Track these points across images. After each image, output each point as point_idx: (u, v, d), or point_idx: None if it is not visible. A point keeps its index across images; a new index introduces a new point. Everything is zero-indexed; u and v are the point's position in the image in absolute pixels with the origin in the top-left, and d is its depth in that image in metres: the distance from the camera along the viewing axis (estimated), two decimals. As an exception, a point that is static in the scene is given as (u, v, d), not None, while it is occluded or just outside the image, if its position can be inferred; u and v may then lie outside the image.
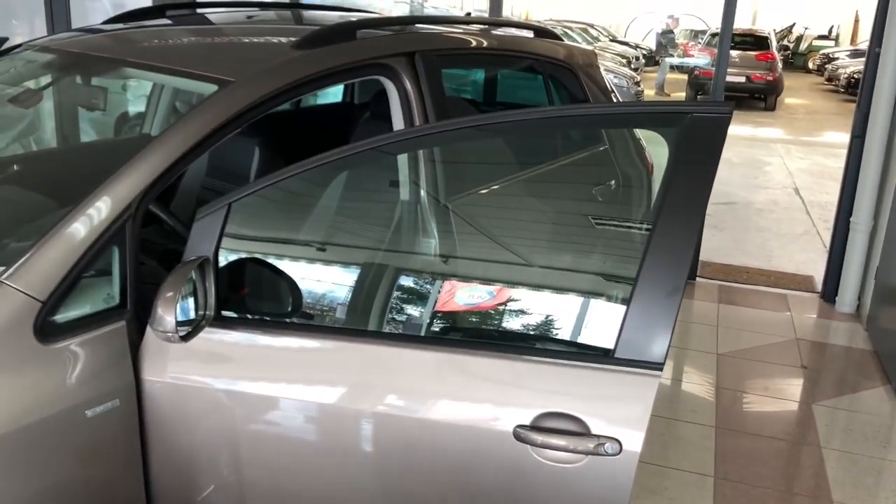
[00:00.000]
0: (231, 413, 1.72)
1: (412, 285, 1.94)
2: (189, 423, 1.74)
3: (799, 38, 26.71)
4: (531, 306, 1.79)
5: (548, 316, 1.76)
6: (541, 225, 2.03)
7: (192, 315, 1.66)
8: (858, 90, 4.70)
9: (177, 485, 1.79)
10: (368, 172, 2.07)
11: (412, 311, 1.88)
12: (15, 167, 2.50)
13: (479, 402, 1.62)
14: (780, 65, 16.14)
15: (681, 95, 15.73)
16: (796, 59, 25.73)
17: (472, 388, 1.62)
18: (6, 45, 2.62)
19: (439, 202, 2.14)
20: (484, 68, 3.48)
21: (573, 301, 1.82)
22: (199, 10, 2.87)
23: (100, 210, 1.66)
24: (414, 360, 1.66)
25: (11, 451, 1.50)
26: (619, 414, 1.53)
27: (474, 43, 2.73)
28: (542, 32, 3.17)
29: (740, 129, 12.47)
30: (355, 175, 2.04)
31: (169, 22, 2.65)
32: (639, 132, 2.75)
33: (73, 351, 1.61)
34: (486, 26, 3.19)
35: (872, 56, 4.52)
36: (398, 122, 2.26)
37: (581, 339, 1.70)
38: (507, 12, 6.09)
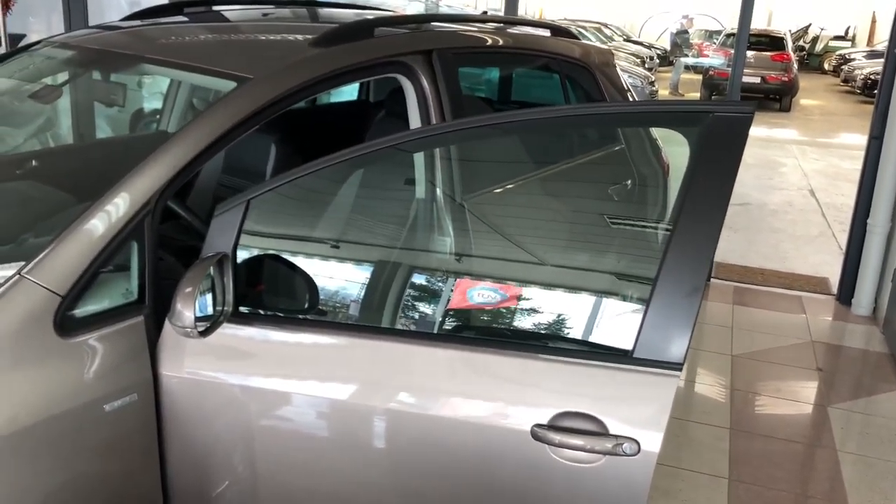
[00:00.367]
0: (247, 409, 1.73)
1: (427, 283, 1.94)
2: (206, 418, 1.75)
3: (815, 39, 26.52)
4: (547, 305, 1.79)
5: (565, 315, 1.76)
6: (556, 224, 2.03)
7: (210, 311, 1.67)
8: (876, 91, 4.66)
9: (193, 479, 1.80)
10: (385, 170, 2.07)
11: (429, 308, 1.88)
12: (35, 163, 2.52)
13: (496, 400, 1.61)
14: (795, 66, 16.03)
15: (695, 95, 15.67)
16: (812, 60, 25.56)
17: (489, 386, 1.62)
18: (24, 42, 2.64)
19: (455, 200, 2.14)
20: (501, 67, 3.47)
21: (590, 301, 1.82)
22: (216, 8, 2.88)
23: (119, 206, 1.67)
24: (429, 358, 1.66)
25: (31, 445, 1.50)
26: (638, 414, 1.52)
27: (491, 41, 2.73)
28: (558, 31, 3.16)
29: (755, 130, 12.27)
30: (371, 173, 2.04)
31: (186, 19, 2.66)
32: (656, 132, 2.74)
33: (92, 345, 1.62)
34: (503, 25, 3.18)
35: (891, 57, 4.48)
36: (415, 121, 2.26)
37: (599, 339, 1.70)
38: (521, 11, 6.08)
